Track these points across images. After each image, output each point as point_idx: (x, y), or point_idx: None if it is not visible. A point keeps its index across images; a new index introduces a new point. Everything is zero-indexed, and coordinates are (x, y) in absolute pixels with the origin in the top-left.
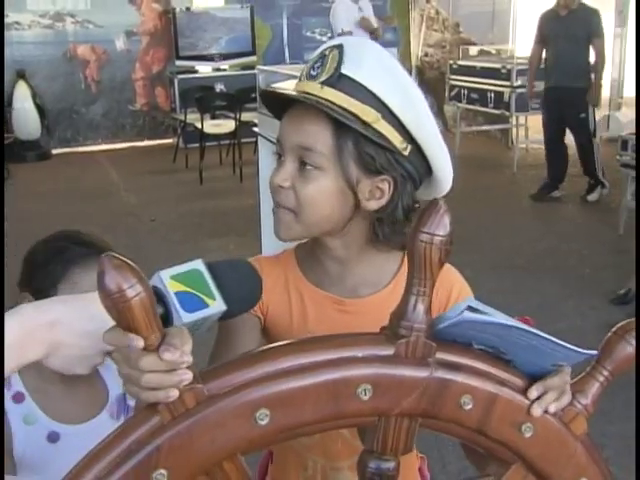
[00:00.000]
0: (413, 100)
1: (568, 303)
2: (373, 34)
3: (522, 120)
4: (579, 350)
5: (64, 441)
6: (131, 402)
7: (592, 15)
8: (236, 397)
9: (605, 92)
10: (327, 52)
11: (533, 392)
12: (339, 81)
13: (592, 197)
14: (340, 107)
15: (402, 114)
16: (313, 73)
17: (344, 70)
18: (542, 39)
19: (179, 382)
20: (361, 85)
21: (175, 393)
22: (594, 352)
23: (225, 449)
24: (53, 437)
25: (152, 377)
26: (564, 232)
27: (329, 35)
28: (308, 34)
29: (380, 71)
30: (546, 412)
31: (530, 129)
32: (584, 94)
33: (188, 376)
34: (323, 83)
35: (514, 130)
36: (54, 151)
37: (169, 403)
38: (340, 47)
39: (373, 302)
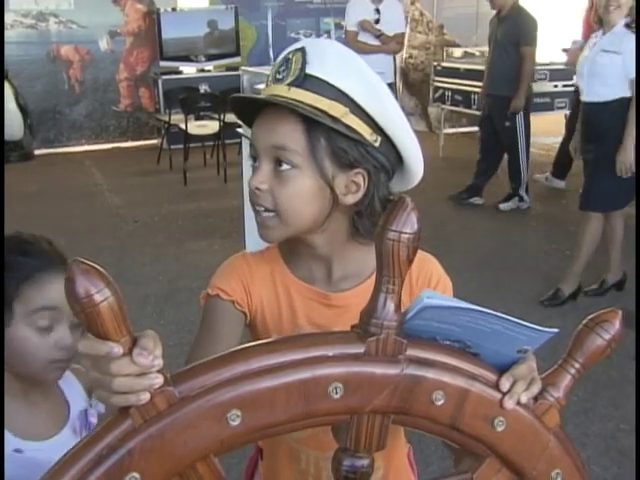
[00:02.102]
0: (378, 92)
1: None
2: (378, 38)
3: None
4: (541, 329)
5: (27, 455)
6: (93, 418)
7: (523, 21)
8: (207, 399)
9: None
10: (290, 55)
11: (505, 384)
12: (305, 81)
13: (504, 206)
14: (308, 105)
15: (368, 106)
16: (279, 77)
17: (309, 70)
18: (488, 42)
19: (150, 386)
20: (326, 82)
21: (146, 396)
22: (555, 330)
23: (197, 450)
24: (18, 452)
25: (123, 381)
26: (547, 233)
27: (314, 36)
28: (293, 35)
29: (343, 67)
30: (518, 403)
31: None
32: (510, 103)
33: (159, 380)
34: (290, 85)
35: None
36: (37, 152)
37: (140, 406)
38: (302, 49)
39: (356, 294)
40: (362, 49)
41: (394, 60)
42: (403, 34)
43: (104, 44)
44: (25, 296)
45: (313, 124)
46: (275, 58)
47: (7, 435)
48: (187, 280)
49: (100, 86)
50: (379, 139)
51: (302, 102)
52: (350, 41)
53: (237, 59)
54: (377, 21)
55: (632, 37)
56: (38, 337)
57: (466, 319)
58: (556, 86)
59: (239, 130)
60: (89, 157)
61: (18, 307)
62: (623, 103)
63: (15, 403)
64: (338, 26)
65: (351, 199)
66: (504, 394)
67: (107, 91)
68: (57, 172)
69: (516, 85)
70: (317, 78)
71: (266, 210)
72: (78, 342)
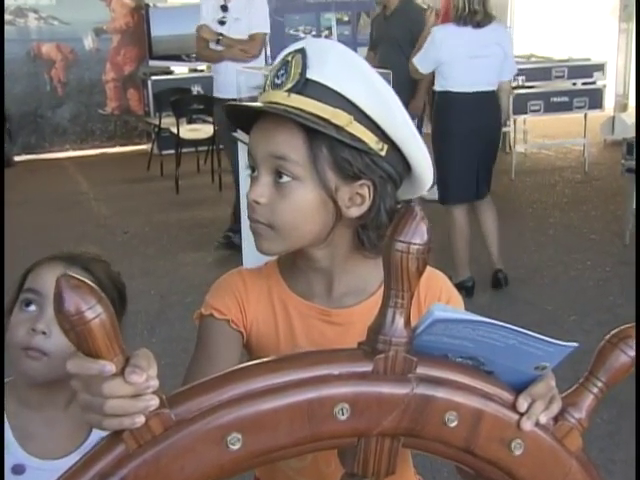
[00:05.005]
0: (384, 97)
1: (570, 318)
2: (218, 43)
3: (521, 123)
4: (560, 343)
5: (29, 475)
6: None
7: (417, 14)
8: (205, 421)
9: (609, 92)
10: (289, 58)
11: (522, 404)
12: (306, 87)
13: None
14: (310, 113)
15: (374, 113)
16: (277, 81)
17: (309, 74)
18: (372, 44)
19: (145, 408)
20: (329, 88)
21: (141, 419)
22: (575, 344)
23: (195, 477)
24: (18, 469)
25: (116, 403)
26: (565, 242)
27: (314, 33)
28: (291, 32)
29: (346, 71)
30: (537, 424)
31: (529, 132)
32: (406, 106)
33: (154, 402)
34: (289, 91)
35: (512, 134)
36: (17, 158)
37: (134, 430)
38: (302, 51)
39: (360, 311)
40: (204, 57)
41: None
42: (260, 35)
43: (89, 42)
44: (26, 281)
45: (315, 133)
46: (273, 57)
47: (14, 446)
48: (180, 295)
49: (85, 87)
50: (385, 147)
51: (303, 110)
52: (197, 48)
53: None
54: (223, 21)
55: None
56: (18, 312)
57: (479, 333)
58: (574, 84)
59: (235, 134)
60: (74, 164)
61: (20, 292)
62: (439, 96)
63: (34, 414)
64: (340, 22)
65: (355, 212)
66: (521, 415)
67: (93, 93)
68: (39, 180)
69: (417, 86)
70: (318, 83)
71: (263, 225)
72: (67, 361)
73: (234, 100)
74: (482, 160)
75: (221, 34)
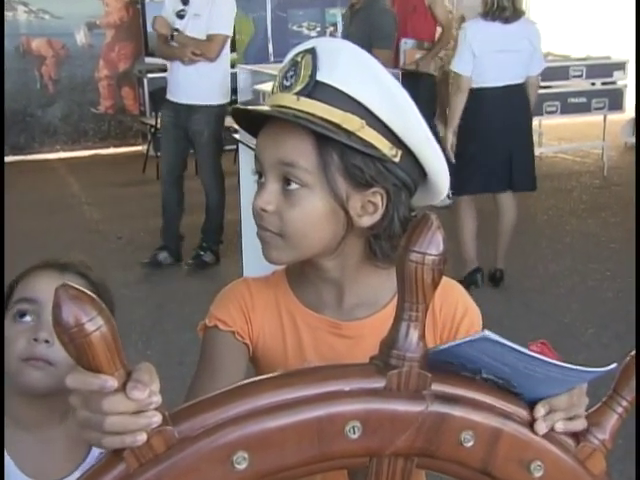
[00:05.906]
0: (397, 100)
1: (588, 331)
2: (172, 39)
3: (536, 125)
4: (601, 370)
5: None
6: None
7: (378, 18)
8: (210, 439)
9: (630, 92)
10: (299, 58)
11: (539, 410)
12: (315, 90)
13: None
14: (320, 118)
15: (387, 117)
16: (286, 83)
17: (320, 77)
18: None
19: (147, 425)
20: (340, 91)
21: (143, 437)
22: (614, 365)
23: None
24: None
25: (117, 420)
26: (583, 250)
27: (318, 29)
28: (295, 28)
29: (358, 73)
30: (557, 444)
31: (545, 135)
32: None
33: (157, 418)
34: (299, 94)
35: None
36: (5, 159)
37: (135, 448)
38: (313, 51)
39: (373, 324)
40: (159, 53)
41: (223, 76)
42: (219, 37)
43: (81, 37)
44: (16, 291)
45: (325, 138)
46: (275, 54)
47: (13, 471)
48: (177, 304)
49: (77, 85)
50: (399, 153)
51: (312, 114)
52: (157, 41)
53: (233, 55)
54: (181, 15)
55: None
56: (12, 325)
57: (523, 364)
58: (593, 84)
59: (236, 136)
60: (65, 165)
61: (9, 304)
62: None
63: (30, 436)
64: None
65: (368, 221)
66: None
67: (85, 91)
68: (28, 182)
69: None
70: (329, 86)
71: (272, 233)
72: (67, 377)
73: (180, 106)
74: (515, 153)
75: (176, 29)
